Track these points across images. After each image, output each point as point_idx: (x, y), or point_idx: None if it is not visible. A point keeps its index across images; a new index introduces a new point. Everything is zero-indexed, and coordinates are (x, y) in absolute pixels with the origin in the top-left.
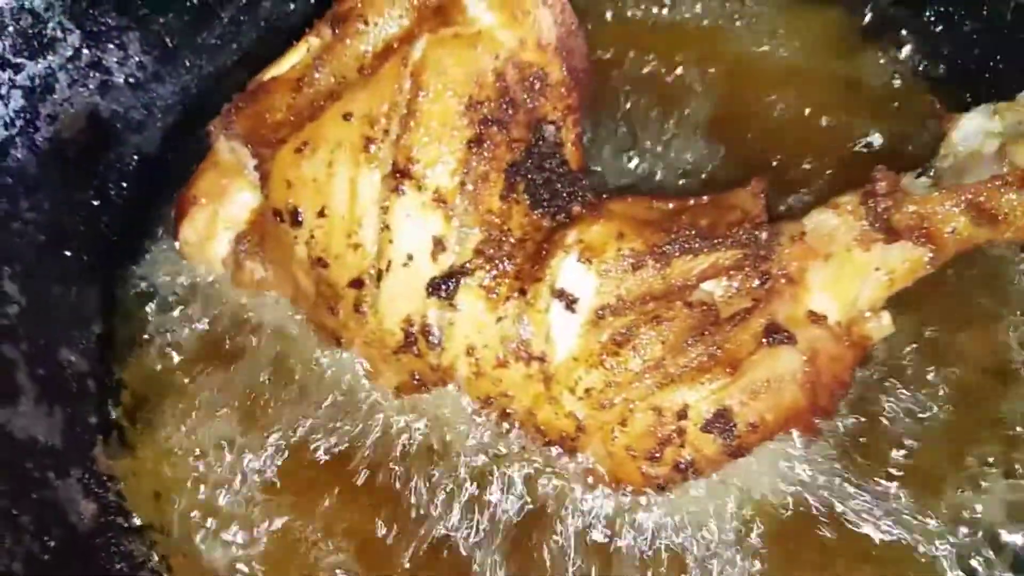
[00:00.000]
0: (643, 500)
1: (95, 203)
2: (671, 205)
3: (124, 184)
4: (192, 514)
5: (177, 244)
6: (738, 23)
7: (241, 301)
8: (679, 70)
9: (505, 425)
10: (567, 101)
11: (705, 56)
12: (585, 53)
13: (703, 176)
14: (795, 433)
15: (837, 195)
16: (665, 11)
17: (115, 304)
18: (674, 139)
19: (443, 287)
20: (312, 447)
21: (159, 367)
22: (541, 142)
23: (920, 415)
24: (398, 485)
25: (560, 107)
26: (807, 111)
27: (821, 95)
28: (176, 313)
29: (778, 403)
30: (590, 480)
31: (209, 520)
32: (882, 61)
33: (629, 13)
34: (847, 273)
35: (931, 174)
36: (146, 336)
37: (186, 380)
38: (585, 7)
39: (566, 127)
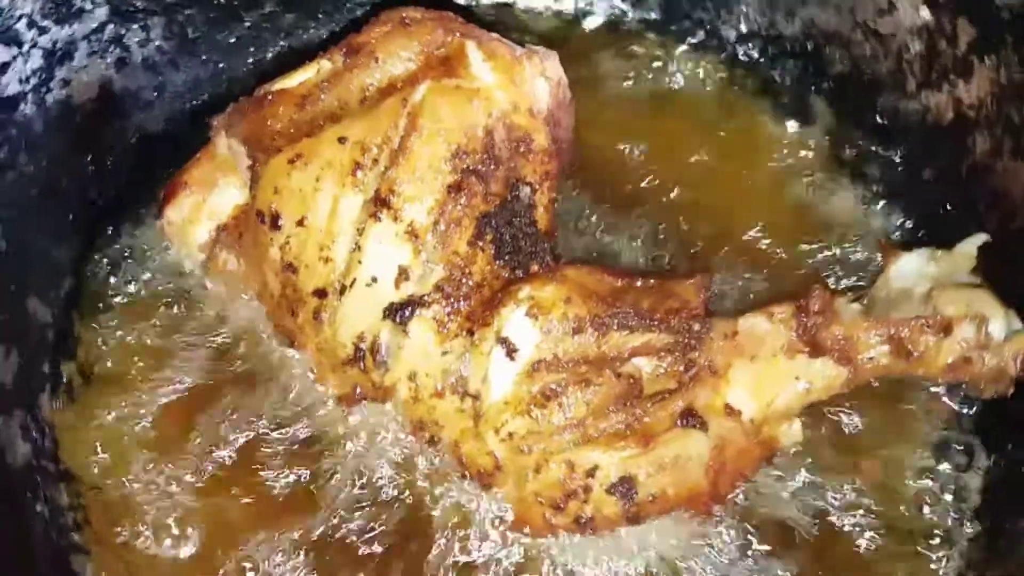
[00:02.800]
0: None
1: (91, 168)
2: (620, 282)
3: (122, 157)
4: (124, 477)
5: (159, 223)
6: (721, 133)
7: (209, 289)
8: (652, 162)
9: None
10: (547, 167)
11: (681, 157)
12: (571, 127)
13: (654, 259)
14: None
15: (773, 303)
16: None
17: (90, 266)
18: (635, 221)
19: (399, 313)
20: (260, 441)
21: (118, 334)
22: (516, 200)
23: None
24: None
25: (539, 172)
26: (762, 219)
27: (778, 205)
28: (145, 287)
29: (681, 481)
30: (497, 521)
31: (138, 486)
32: (844, 188)
33: (625, 95)
34: (769, 376)
35: (864, 302)
36: (112, 302)
37: (141, 351)
38: (586, 86)
39: (541, 191)
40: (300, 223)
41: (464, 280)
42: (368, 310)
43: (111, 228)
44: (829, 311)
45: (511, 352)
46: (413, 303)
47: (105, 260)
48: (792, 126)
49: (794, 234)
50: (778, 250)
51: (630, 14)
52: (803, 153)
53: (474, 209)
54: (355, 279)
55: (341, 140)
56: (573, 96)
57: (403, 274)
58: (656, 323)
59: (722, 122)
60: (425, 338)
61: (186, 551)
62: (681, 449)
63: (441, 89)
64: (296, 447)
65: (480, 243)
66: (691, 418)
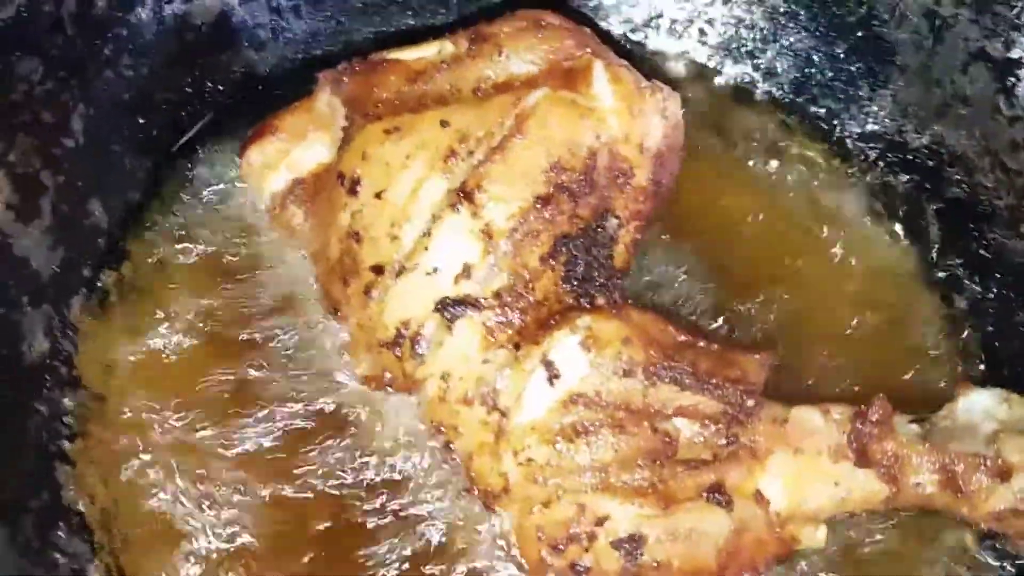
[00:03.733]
0: None
1: (187, 91)
2: (683, 337)
3: (221, 87)
4: (129, 401)
5: (239, 161)
6: (824, 232)
7: (268, 239)
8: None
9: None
10: (639, 207)
11: (770, 236)
12: (675, 174)
13: (723, 322)
14: None
15: (832, 401)
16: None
17: (159, 187)
18: (709, 286)
19: (451, 309)
20: (271, 399)
21: (167, 260)
22: (600, 230)
23: None
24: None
25: (631, 209)
26: (837, 315)
27: (858, 306)
28: (206, 221)
29: (689, 555)
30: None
31: (140, 413)
32: (930, 309)
33: (731, 162)
34: (808, 474)
35: (924, 426)
36: (170, 228)
37: (184, 282)
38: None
39: (627, 229)
40: (378, 195)
41: (525, 294)
42: (420, 298)
43: (190, 154)
44: (887, 424)
45: (553, 377)
46: (467, 302)
47: (175, 184)
48: (891, 234)
49: (869, 339)
50: (847, 350)
51: (759, 84)
52: (895, 263)
53: (556, 226)
54: (417, 264)
55: (443, 123)
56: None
57: (466, 271)
58: (710, 388)
59: (820, 211)
60: (469, 341)
61: (168, 491)
62: (699, 523)
63: (557, 99)
64: (304, 411)
65: (552, 262)
66: (718, 494)
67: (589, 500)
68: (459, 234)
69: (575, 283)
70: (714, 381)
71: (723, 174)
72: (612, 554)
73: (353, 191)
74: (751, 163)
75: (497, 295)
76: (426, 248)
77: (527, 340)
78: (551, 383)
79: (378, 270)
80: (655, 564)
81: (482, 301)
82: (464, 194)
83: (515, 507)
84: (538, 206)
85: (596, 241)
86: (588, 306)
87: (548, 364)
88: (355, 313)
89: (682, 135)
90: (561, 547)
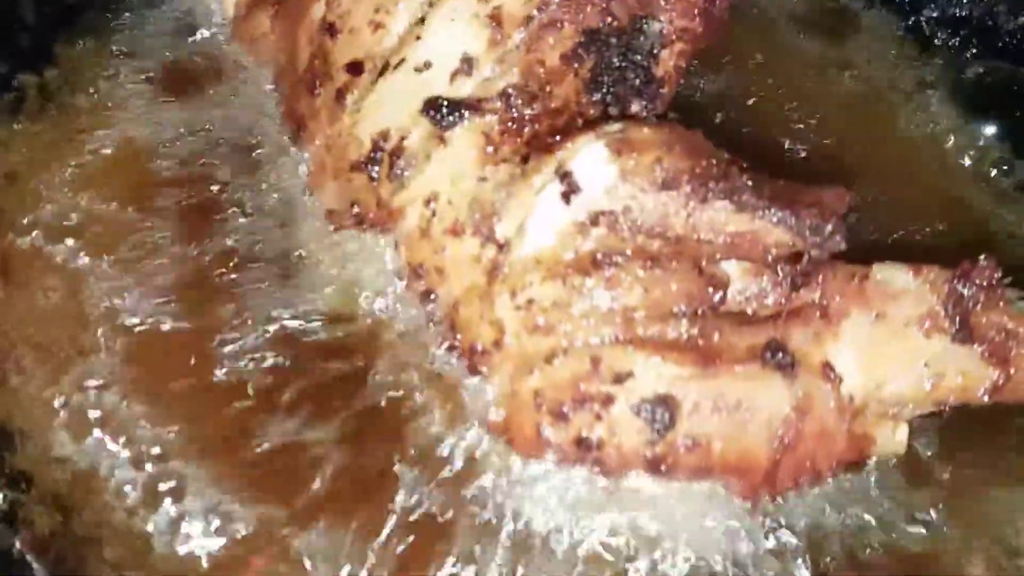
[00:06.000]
0: None
1: None
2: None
3: None
4: (31, 206)
5: None
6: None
7: (226, 51)
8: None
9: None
10: (688, 24)
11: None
12: None
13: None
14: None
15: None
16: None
17: None
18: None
19: (443, 111)
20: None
21: (104, 75)
22: (638, 35)
23: None
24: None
25: (677, 25)
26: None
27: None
28: (155, 29)
29: (734, 437)
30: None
31: (44, 224)
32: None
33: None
34: (890, 347)
35: None
36: (113, 33)
37: (116, 95)
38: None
39: (671, 49)
40: None
41: (540, 97)
42: (405, 102)
43: None
44: (997, 290)
45: (569, 193)
46: (466, 104)
47: None
48: (978, 130)
49: (955, 235)
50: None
51: None
52: (981, 162)
53: (585, 18)
54: (403, 59)
55: None
56: None
57: (466, 65)
58: (777, 210)
59: (893, 102)
60: (464, 154)
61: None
62: (750, 393)
63: None
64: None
65: (576, 64)
66: (780, 353)
67: (606, 352)
68: (460, 19)
69: (605, 89)
70: (783, 204)
71: (776, 50)
72: (632, 423)
73: None
74: (812, 46)
75: (504, 95)
76: (418, 37)
77: (538, 152)
78: (566, 200)
79: (355, 69)
80: (688, 442)
81: (484, 104)
82: None
83: (507, 367)
84: None
85: (632, 46)
86: (619, 115)
87: (564, 176)
88: (322, 129)
89: None
90: (566, 414)
